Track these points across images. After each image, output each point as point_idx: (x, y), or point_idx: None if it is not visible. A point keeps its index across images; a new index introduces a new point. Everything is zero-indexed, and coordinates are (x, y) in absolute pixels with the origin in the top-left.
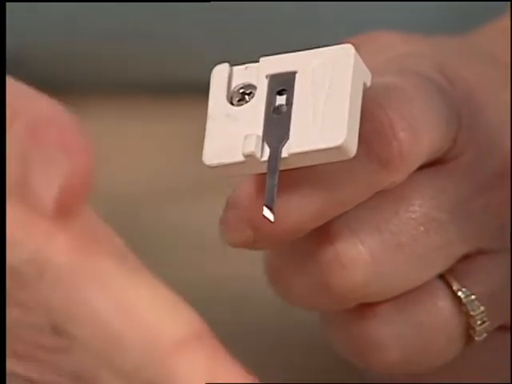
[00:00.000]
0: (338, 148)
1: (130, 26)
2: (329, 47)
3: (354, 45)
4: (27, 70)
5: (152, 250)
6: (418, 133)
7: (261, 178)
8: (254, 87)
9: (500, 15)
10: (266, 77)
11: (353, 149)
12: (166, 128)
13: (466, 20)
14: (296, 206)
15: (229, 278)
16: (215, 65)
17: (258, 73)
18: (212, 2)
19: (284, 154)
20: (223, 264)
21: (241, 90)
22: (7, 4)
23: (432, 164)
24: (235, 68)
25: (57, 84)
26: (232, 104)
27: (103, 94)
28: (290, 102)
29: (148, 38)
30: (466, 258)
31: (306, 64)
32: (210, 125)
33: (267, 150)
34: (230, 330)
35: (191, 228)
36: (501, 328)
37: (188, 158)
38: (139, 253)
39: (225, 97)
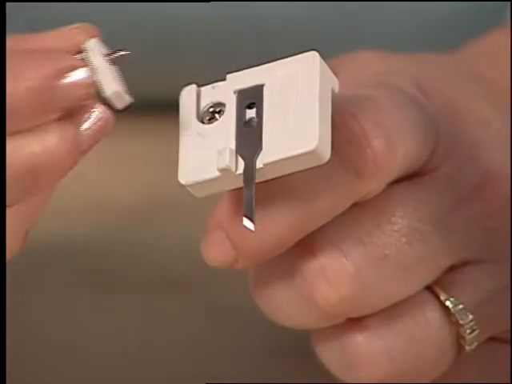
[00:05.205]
0: (311, 153)
1: None
2: (293, 56)
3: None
4: None
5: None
6: (392, 141)
7: (237, 195)
8: (223, 105)
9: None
10: (234, 92)
11: (326, 153)
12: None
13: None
14: (274, 220)
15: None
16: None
17: (225, 90)
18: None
19: (259, 164)
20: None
21: (210, 109)
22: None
23: (411, 176)
24: (203, 88)
25: None
26: (203, 123)
27: None
28: (260, 115)
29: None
30: (452, 268)
31: (272, 76)
32: (182, 145)
33: (242, 163)
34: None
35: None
36: (490, 340)
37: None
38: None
39: (195, 117)
